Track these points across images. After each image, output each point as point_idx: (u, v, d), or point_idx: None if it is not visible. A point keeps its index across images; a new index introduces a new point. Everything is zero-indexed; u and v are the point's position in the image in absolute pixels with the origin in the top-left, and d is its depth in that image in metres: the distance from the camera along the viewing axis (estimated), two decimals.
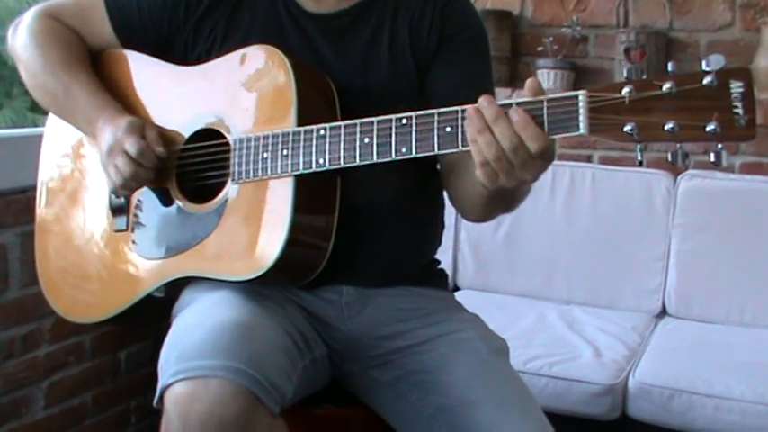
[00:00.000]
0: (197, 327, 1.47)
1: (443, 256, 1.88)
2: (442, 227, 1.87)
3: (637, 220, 3.30)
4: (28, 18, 1.82)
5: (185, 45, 1.76)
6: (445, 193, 1.77)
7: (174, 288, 1.71)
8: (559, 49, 3.57)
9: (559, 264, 3.36)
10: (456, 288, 3.43)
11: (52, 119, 1.91)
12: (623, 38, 3.44)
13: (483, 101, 1.33)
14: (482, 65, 1.75)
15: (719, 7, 3.41)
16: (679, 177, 3.26)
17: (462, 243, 3.46)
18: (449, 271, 1.90)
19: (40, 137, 1.97)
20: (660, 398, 2.60)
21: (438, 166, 1.76)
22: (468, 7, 1.77)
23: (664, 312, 3.26)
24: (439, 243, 1.87)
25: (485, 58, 1.76)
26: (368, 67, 1.69)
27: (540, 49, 3.59)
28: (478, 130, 1.31)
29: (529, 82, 1.34)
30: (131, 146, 1.62)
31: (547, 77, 3.52)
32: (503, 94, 3.40)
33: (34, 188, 1.96)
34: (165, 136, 1.70)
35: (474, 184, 1.42)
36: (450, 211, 1.84)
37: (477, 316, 1.79)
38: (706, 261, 3.19)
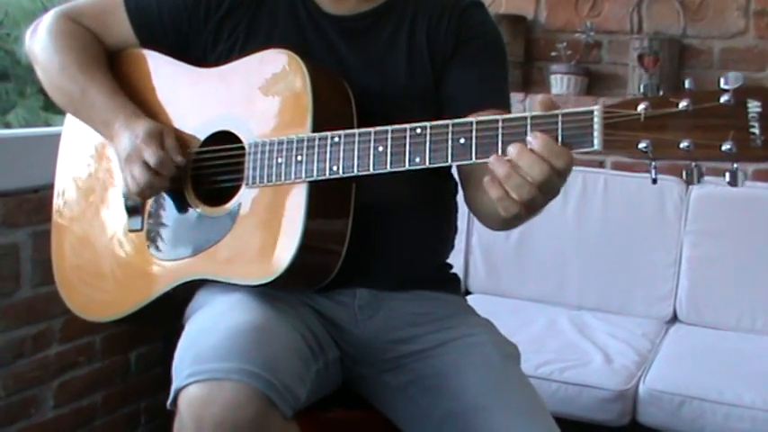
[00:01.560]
0: (212, 329, 1.47)
1: (455, 259, 1.88)
2: (455, 230, 1.87)
3: (648, 226, 3.29)
4: (47, 19, 1.82)
5: (205, 46, 1.76)
6: (463, 201, 1.76)
7: (188, 289, 1.71)
8: (573, 54, 3.57)
9: (571, 269, 3.36)
10: (467, 292, 3.43)
11: (70, 117, 1.91)
12: (637, 44, 3.43)
13: (512, 148, 1.31)
14: (497, 70, 1.74)
15: (733, 14, 3.40)
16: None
17: (474, 247, 3.46)
18: (460, 275, 1.90)
19: (52, 137, 1.98)
20: (670, 404, 2.59)
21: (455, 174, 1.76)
22: (484, 15, 1.77)
23: (675, 319, 3.25)
24: (452, 246, 1.87)
25: (500, 64, 1.76)
26: (386, 70, 1.70)
27: (553, 54, 3.59)
28: (505, 176, 1.30)
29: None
30: (151, 156, 1.62)
31: (560, 83, 3.52)
32: (515, 99, 3.42)
33: (47, 188, 1.96)
34: (182, 139, 1.70)
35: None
36: (462, 215, 1.84)
37: (489, 321, 1.79)
38: (717, 268, 3.18)
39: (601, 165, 3.52)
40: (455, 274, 1.87)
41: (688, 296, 3.21)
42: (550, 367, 2.72)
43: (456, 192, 1.83)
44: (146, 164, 1.63)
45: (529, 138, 1.29)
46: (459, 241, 2.25)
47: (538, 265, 3.40)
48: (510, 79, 1.80)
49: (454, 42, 1.71)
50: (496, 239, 3.41)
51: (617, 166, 3.50)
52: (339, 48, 1.71)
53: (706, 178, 3.26)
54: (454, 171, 1.81)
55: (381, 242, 1.69)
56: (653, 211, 3.29)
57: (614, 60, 3.59)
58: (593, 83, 3.58)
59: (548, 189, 1.31)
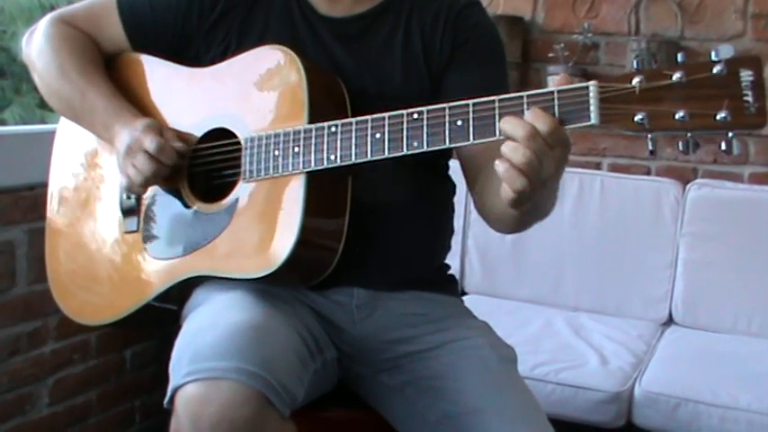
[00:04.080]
0: (210, 328, 1.46)
1: (451, 260, 1.88)
2: (452, 231, 1.86)
3: (645, 228, 3.29)
4: (42, 25, 1.82)
5: (198, 49, 1.76)
6: (462, 204, 1.76)
7: (185, 288, 1.71)
8: (570, 55, 3.56)
9: (567, 270, 3.36)
10: (463, 293, 3.43)
11: (64, 119, 1.91)
12: (634, 45, 3.43)
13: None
14: (496, 71, 1.74)
15: (731, 17, 3.40)
16: (688, 186, 3.26)
17: (470, 248, 3.46)
18: (456, 276, 1.90)
19: (48, 134, 1.97)
20: (666, 406, 2.59)
21: (448, 166, 1.76)
22: (481, 15, 1.77)
23: (670, 321, 3.26)
24: (449, 247, 1.86)
25: (499, 66, 1.76)
26: (381, 73, 1.69)
27: (550, 55, 3.59)
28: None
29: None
30: (150, 142, 1.62)
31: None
32: None
33: (42, 185, 1.96)
34: (179, 137, 1.70)
35: (505, 206, 1.41)
36: (458, 216, 1.84)
37: (487, 323, 1.79)
38: (713, 270, 3.18)
39: (597, 166, 3.53)
40: (452, 275, 1.87)
41: (684, 298, 3.22)
42: (546, 368, 2.72)
43: (453, 193, 1.83)
44: (146, 152, 1.62)
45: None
46: (456, 242, 2.25)
47: (534, 267, 3.40)
48: (509, 79, 1.80)
49: (451, 44, 1.70)
50: (493, 240, 3.41)
51: (614, 168, 3.50)
52: (334, 51, 1.71)
53: (703, 180, 3.27)
54: (451, 173, 1.81)
55: (379, 242, 1.69)
56: (649, 213, 3.29)
57: (612, 62, 3.58)
58: None
59: (542, 153, 1.30)
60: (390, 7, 1.72)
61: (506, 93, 1.55)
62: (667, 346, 3.00)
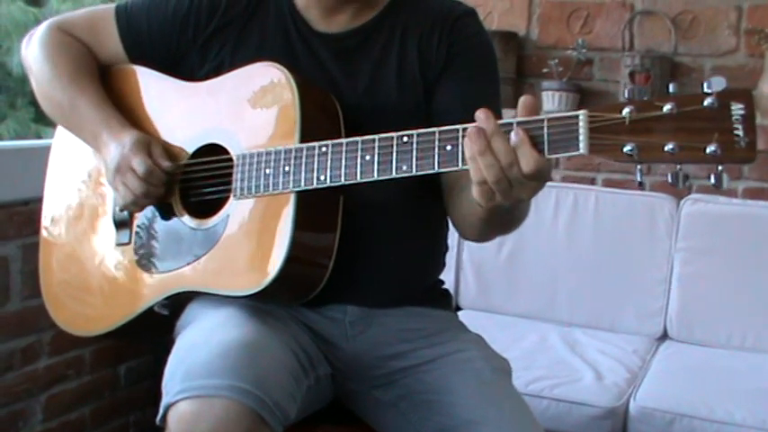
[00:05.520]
0: (203, 345, 1.46)
1: (446, 275, 1.88)
2: (446, 248, 1.87)
3: (639, 243, 3.29)
4: (41, 30, 1.84)
5: (193, 63, 1.76)
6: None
7: (177, 304, 1.71)
8: (564, 71, 3.57)
9: (561, 286, 3.36)
10: (458, 308, 3.42)
11: (60, 131, 1.92)
12: (628, 61, 3.44)
13: (481, 113, 1.32)
14: (489, 84, 1.74)
15: (724, 32, 3.42)
16: (682, 201, 3.26)
17: (465, 263, 3.46)
18: (451, 291, 1.90)
19: (43, 149, 1.98)
20: (661, 422, 2.58)
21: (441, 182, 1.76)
22: (476, 27, 1.76)
23: (665, 336, 3.25)
24: (443, 264, 1.86)
25: (492, 78, 1.76)
26: (376, 87, 1.70)
27: (545, 70, 3.59)
28: (480, 150, 1.30)
29: (523, 99, 1.33)
30: (139, 165, 1.64)
31: (551, 99, 3.53)
32: (507, 115, 3.41)
33: (37, 200, 1.96)
34: (170, 152, 1.71)
35: (472, 203, 1.41)
36: (453, 231, 1.83)
37: (480, 336, 1.78)
38: (708, 285, 3.18)
39: (592, 182, 3.53)
40: (446, 290, 1.87)
41: (679, 313, 3.21)
42: (541, 384, 2.71)
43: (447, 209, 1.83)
44: (135, 173, 1.64)
45: (513, 132, 1.29)
46: (450, 257, 2.25)
47: (529, 282, 3.40)
48: (501, 93, 1.80)
49: (446, 53, 1.70)
50: (487, 256, 3.41)
51: (608, 184, 3.51)
52: (329, 67, 1.71)
53: (697, 196, 3.27)
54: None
55: (372, 260, 1.69)
56: (644, 228, 3.29)
57: (606, 77, 3.59)
58: (585, 100, 3.58)
59: (518, 183, 1.30)
60: (385, 21, 1.73)
61: (498, 108, 1.55)
62: (662, 361, 2.99)
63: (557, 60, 3.57)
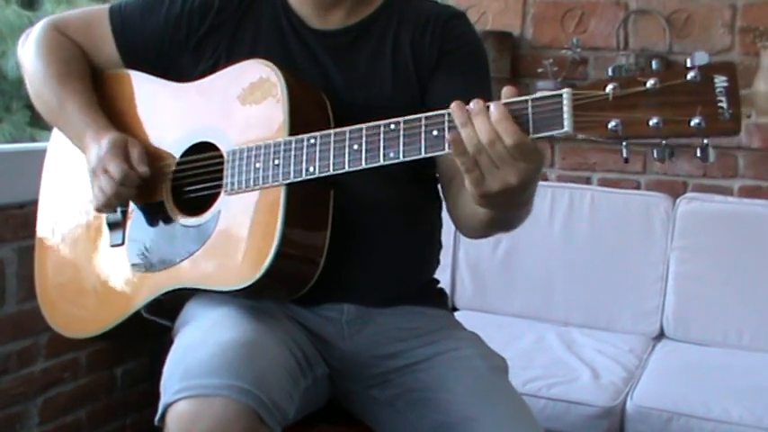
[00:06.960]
0: (201, 344, 1.47)
1: (441, 276, 1.89)
2: (440, 246, 1.87)
3: (635, 242, 3.30)
4: (37, 29, 1.86)
5: (188, 63, 1.77)
6: (444, 210, 1.77)
7: (174, 302, 1.71)
8: (559, 70, 3.57)
9: (558, 285, 3.36)
10: (454, 308, 3.42)
11: (56, 135, 1.93)
12: (623, 60, 3.44)
13: (471, 102, 1.33)
14: (480, 80, 1.75)
15: (719, 31, 3.42)
16: (678, 200, 3.26)
17: (461, 263, 3.46)
18: (447, 291, 1.90)
19: (38, 152, 1.98)
20: (658, 421, 2.59)
21: (438, 181, 1.76)
22: (467, 26, 1.79)
23: (662, 335, 3.25)
24: (438, 262, 1.87)
25: (483, 75, 1.77)
26: (371, 83, 1.71)
27: (539, 70, 3.59)
28: (462, 122, 1.31)
29: (505, 89, 1.33)
30: (115, 169, 1.65)
31: None
32: None
33: (32, 203, 1.96)
34: (156, 152, 1.72)
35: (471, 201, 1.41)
36: (448, 231, 1.83)
37: (476, 334, 1.79)
38: (704, 284, 3.18)
39: (588, 181, 3.54)
40: (442, 289, 1.87)
41: (675, 312, 3.21)
42: (538, 383, 2.71)
43: (441, 208, 1.83)
44: (109, 175, 1.65)
45: (492, 107, 1.30)
46: (446, 257, 2.25)
47: (525, 282, 3.40)
48: (493, 92, 1.80)
49: (438, 52, 1.72)
50: (483, 255, 3.42)
51: (604, 183, 3.51)
52: (324, 63, 1.72)
53: (693, 194, 3.28)
54: (440, 187, 1.81)
55: (368, 258, 1.69)
56: (640, 227, 3.29)
57: (601, 76, 3.58)
58: None
59: (502, 161, 1.29)
60: (379, 18, 1.74)
61: (490, 99, 1.56)
62: (659, 360, 2.99)
63: (551, 60, 3.57)
